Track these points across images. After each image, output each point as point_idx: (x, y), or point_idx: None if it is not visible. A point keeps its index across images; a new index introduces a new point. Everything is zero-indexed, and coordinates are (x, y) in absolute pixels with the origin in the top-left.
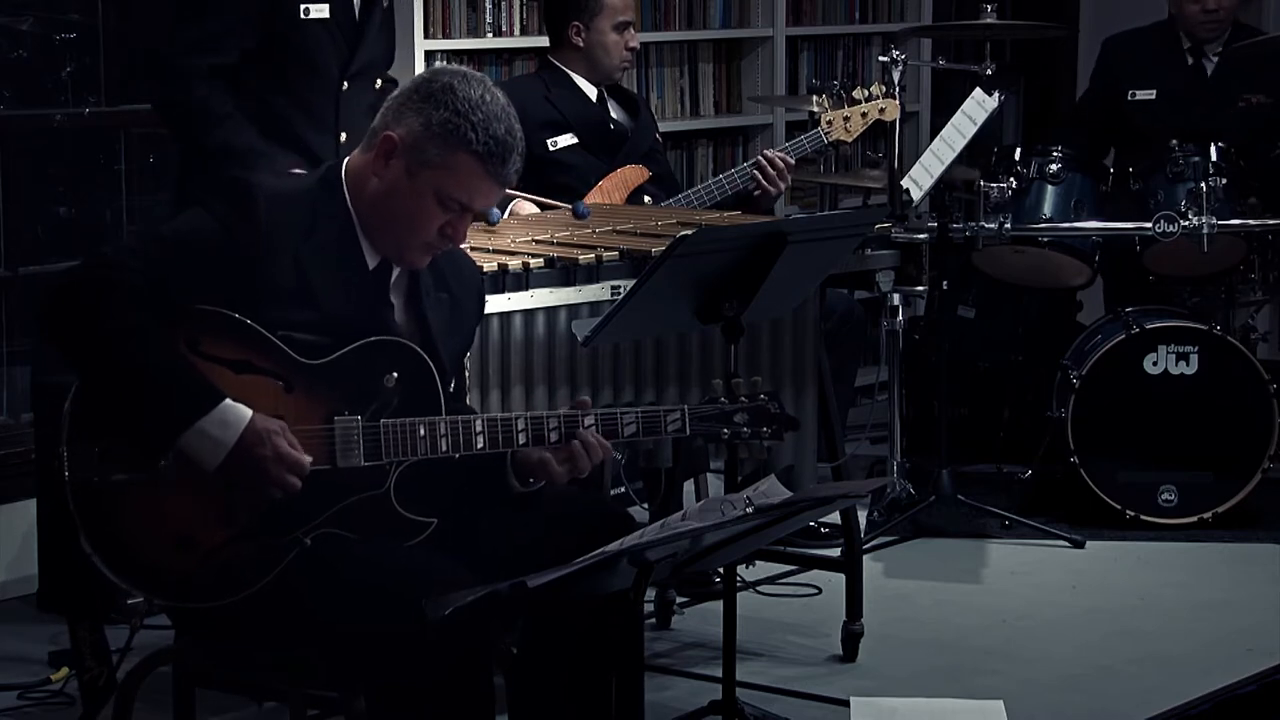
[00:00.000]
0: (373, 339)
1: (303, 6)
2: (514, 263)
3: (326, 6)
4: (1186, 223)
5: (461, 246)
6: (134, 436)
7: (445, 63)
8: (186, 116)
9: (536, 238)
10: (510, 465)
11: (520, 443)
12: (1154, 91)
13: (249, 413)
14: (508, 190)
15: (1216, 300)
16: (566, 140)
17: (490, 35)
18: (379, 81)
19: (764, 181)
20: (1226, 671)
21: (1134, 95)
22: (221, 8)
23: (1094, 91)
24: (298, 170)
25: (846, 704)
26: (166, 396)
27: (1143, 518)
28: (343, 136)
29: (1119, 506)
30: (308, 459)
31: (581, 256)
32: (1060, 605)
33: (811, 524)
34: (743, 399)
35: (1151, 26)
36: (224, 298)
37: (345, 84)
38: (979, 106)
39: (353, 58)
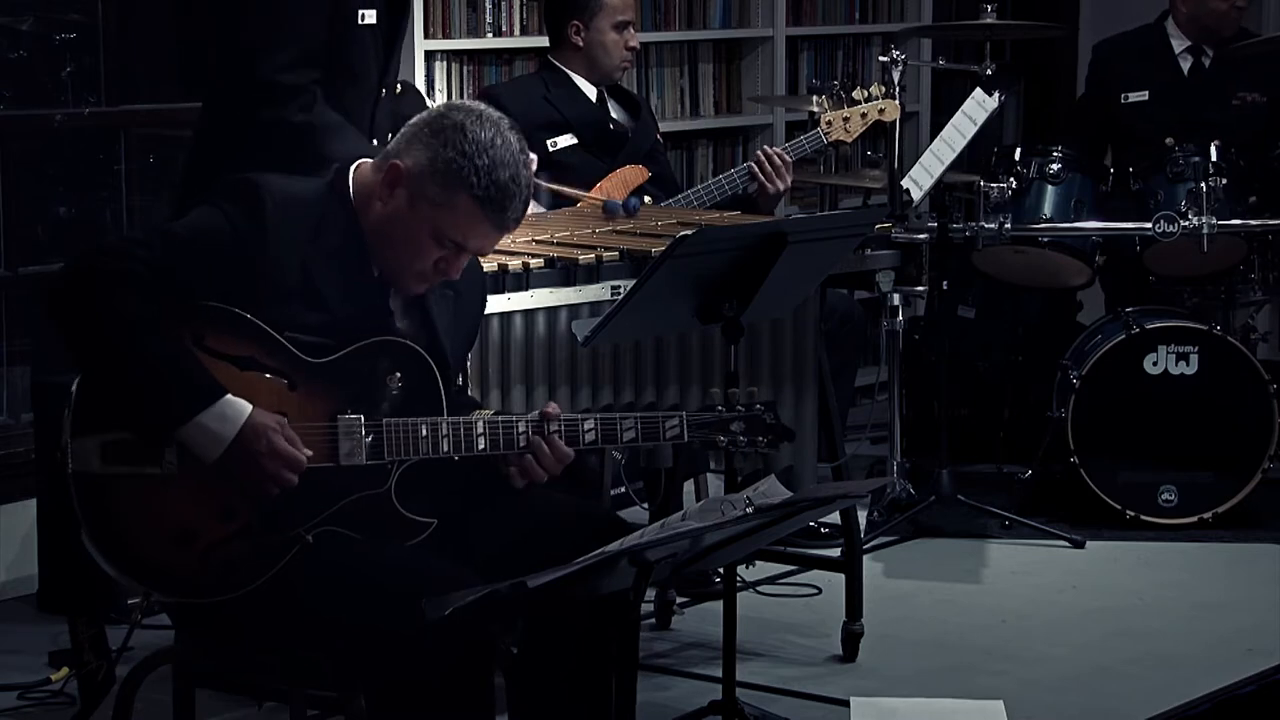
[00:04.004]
0: (376, 339)
1: (360, 12)
2: (514, 263)
3: (374, 12)
4: (1186, 223)
5: None
6: (135, 428)
7: (444, 63)
8: (295, 135)
9: (536, 238)
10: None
11: (521, 445)
12: (1146, 93)
13: (249, 408)
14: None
15: (1216, 300)
16: (566, 140)
17: (490, 35)
18: (399, 87)
19: (761, 177)
20: (1226, 671)
21: (1127, 98)
22: (302, 22)
23: (1088, 98)
24: None
25: (846, 704)
26: (168, 389)
27: (1143, 518)
28: (374, 143)
29: (1119, 506)
30: (306, 455)
31: (581, 256)
32: (1060, 605)
33: (811, 524)
34: (740, 408)
35: (1140, 29)
36: (231, 296)
37: (383, 91)
38: (979, 106)
39: (388, 65)
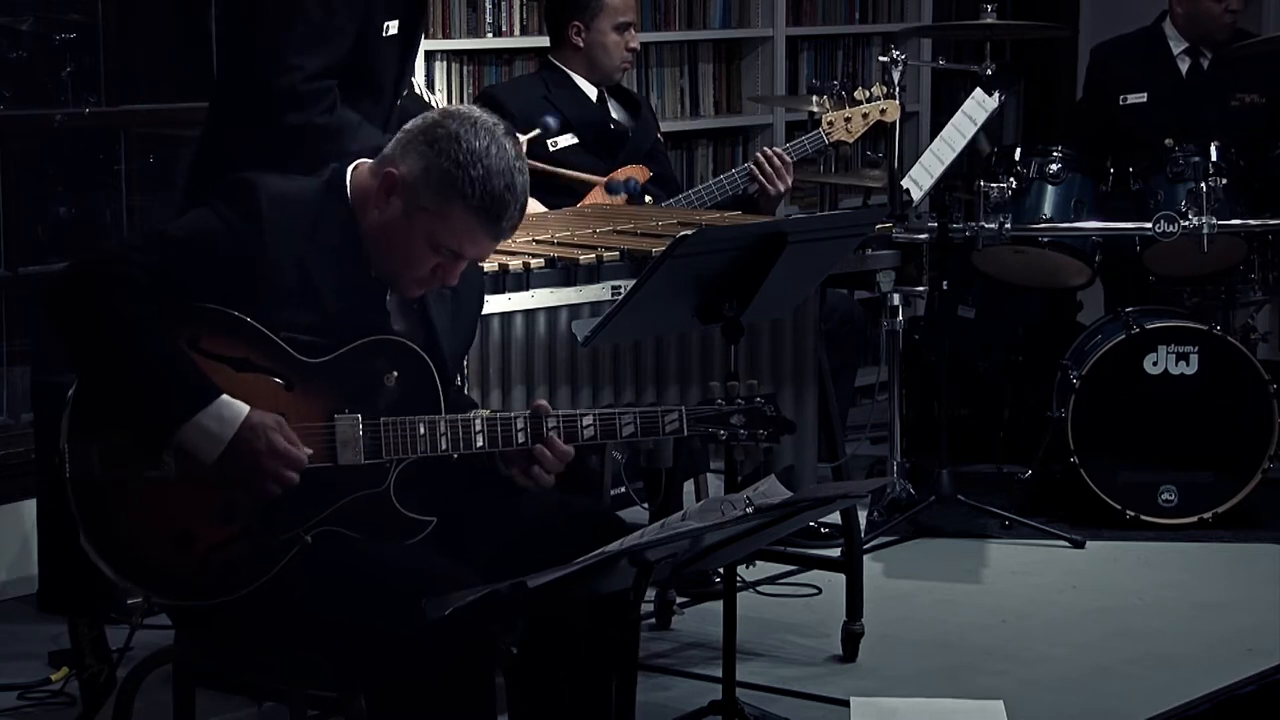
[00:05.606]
0: (373, 338)
1: (386, 24)
2: (514, 263)
3: (397, 22)
4: (1186, 223)
5: None
6: (133, 430)
7: (444, 63)
8: (321, 135)
9: (536, 238)
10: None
11: (519, 442)
12: (1144, 95)
13: (246, 408)
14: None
15: (1216, 300)
16: (567, 140)
17: (490, 35)
18: (405, 92)
19: (762, 178)
20: (1226, 671)
21: (1125, 100)
22: (337, 39)
23: (1086, 101)
24: None
25: (846, 704)
26: (165, 391)
27: (1143, 518)
28: None
29: (1119, 506)
30: (306, 452)
31: (582, 256)
32: (1060, 605)
33: (811, 524)
34: (739, 401)
35: (1138, 32)
36: (229, 297)
37: (398, 99)
38: (979, 106)
39: (403, 74)
